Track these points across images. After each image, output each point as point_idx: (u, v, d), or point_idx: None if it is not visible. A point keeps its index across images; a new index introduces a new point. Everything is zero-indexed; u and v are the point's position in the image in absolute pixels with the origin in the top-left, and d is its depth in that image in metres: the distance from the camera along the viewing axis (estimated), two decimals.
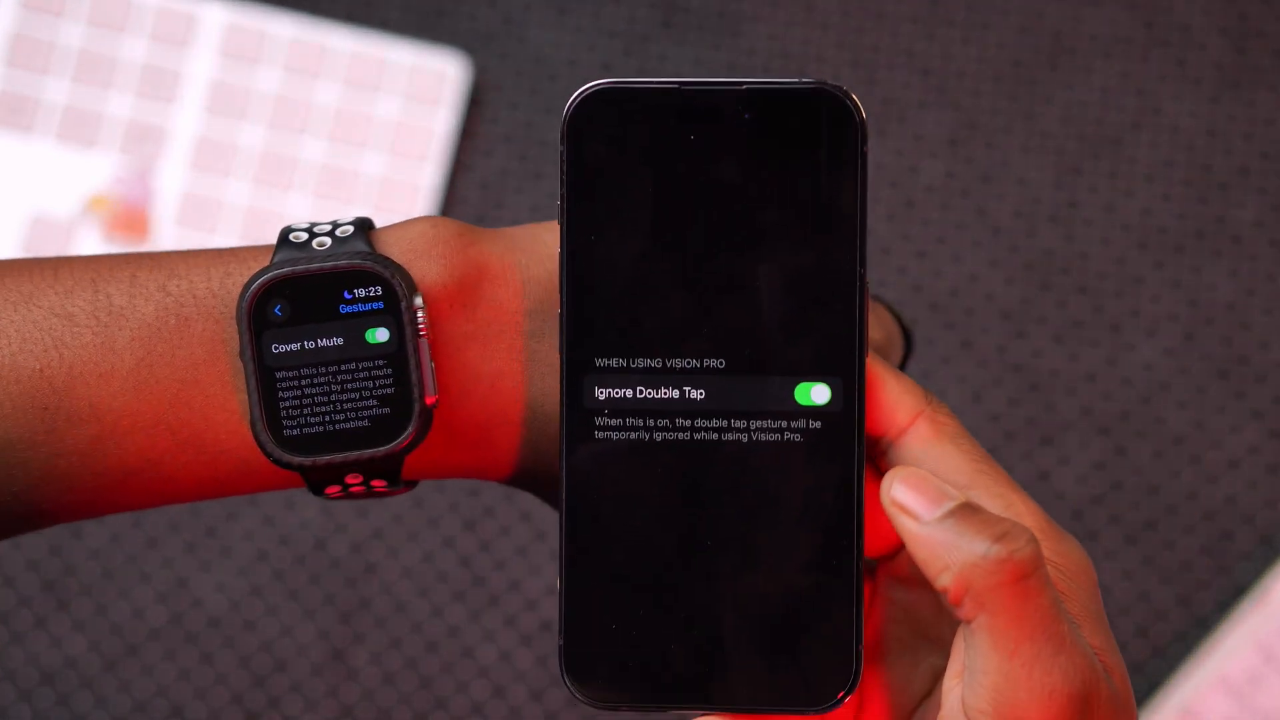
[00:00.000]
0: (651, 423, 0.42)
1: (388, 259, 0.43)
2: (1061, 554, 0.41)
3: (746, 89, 0.42)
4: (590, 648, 0.42)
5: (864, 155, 0.42)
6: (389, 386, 0.43)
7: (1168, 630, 0.91)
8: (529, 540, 0.92)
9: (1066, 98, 0.96)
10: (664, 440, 0.42)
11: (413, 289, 0.43)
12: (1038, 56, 0.96)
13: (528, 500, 0.92)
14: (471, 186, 0.95)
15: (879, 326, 0.50)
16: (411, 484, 0.46)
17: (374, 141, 0.94)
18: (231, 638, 0.91)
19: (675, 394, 0.42)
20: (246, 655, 0.91)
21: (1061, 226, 0.95)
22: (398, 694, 0.91)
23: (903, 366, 0.53)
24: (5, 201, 0.93)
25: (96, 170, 0.94)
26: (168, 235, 0.93)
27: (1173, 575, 0.92)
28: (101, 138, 0.94)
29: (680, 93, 0.42)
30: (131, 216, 0.94)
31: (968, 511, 0.40)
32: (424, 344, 0.43)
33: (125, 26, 0.95)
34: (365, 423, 0.43)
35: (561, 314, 0.42)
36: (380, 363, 0.43)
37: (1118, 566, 0.92)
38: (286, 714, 0.91)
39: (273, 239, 0.98)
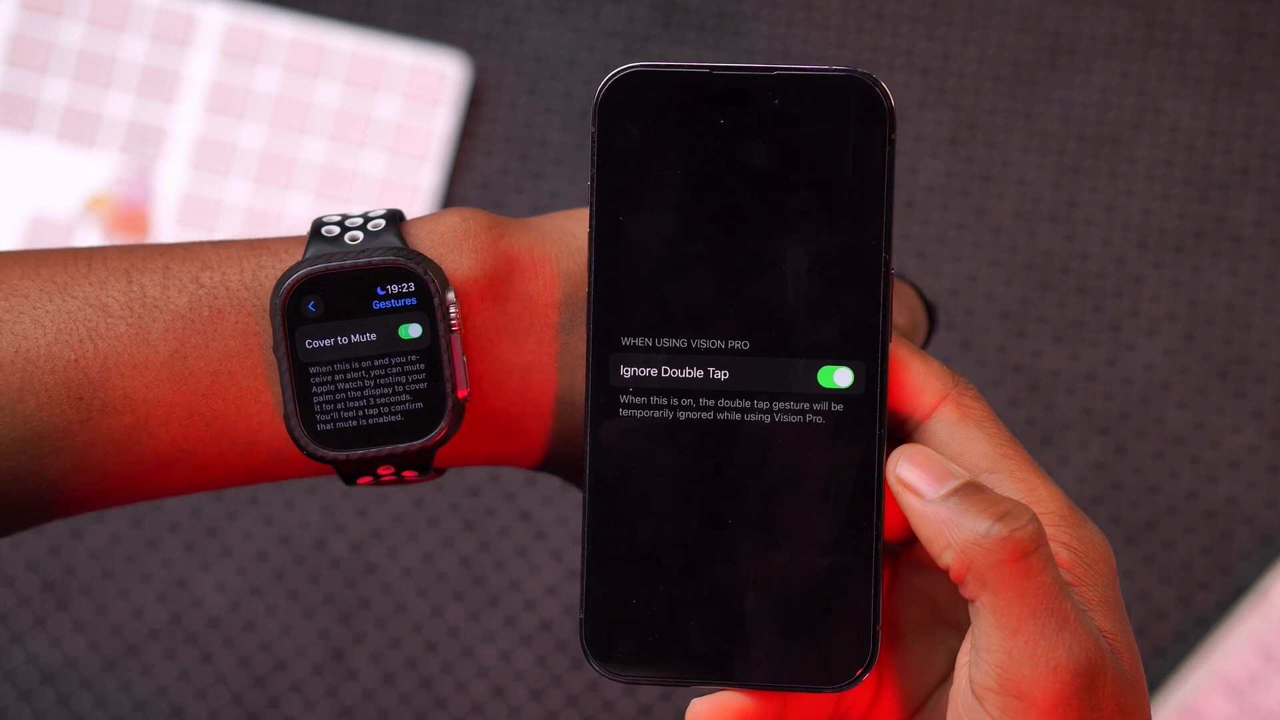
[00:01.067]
0: (675, 402, 0.42)
1: (420, 254, 0.43)
2: (1081, 539, 0.41)
3: (777, 74, 0.42)
4: (611, 623, 0.42)
5: (891, 143, 0.42)
6: (422, 381, 0.43)
7: (1168, 630, 0.91)
8: (529, 540, 0.92)
9: (1066, 98, 0.96)
10: (687, 419, 0.42)
11: (445, 284, 0.43)
12: (1038, 56, 0.96)
13: (528, 500, 0.92)
14: (471, 186, 0.95)
15: (904, 311, 0.51)
16: (441, 471, 0.46)
17: (374, 141, 0.94)
18: (231, 638, 0.91)
19: (699, 374, 0.42)
20: (246, 655, 0.91)
21: (1061, 226, 0.95)
22: (398, 694, 0.91)
23: (926, 344, 0.54)
24: (5, 201, 0.93)
25: (96, 170, 0.94)
26: (168, 235, 0.93)
27: (1173, 575, 0.92)
28: (101, 138, 0.94)
29: (711, 77, 0.42)
30: (131, 216, 0.94)
31: (971, 490, 0.40)
32: (457, 339, 0.43)
33: (125, 26, 0.95)
34: (398, 417, 0.43)
35: (589, 293, 0.42)
36: (413, 358, 0.43)
37: (1118, 567, 0.92)
38: (286, 714, 0.91)
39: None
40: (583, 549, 0.43)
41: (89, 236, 0.93)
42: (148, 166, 0.94)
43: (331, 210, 0.94)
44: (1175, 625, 0.91)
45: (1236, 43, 0.96)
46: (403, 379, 0.43)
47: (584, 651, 0.42)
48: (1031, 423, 0.93)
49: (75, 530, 0.92)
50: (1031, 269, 0.95)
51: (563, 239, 0.46)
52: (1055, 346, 0.94)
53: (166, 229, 0.93)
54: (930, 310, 0.55)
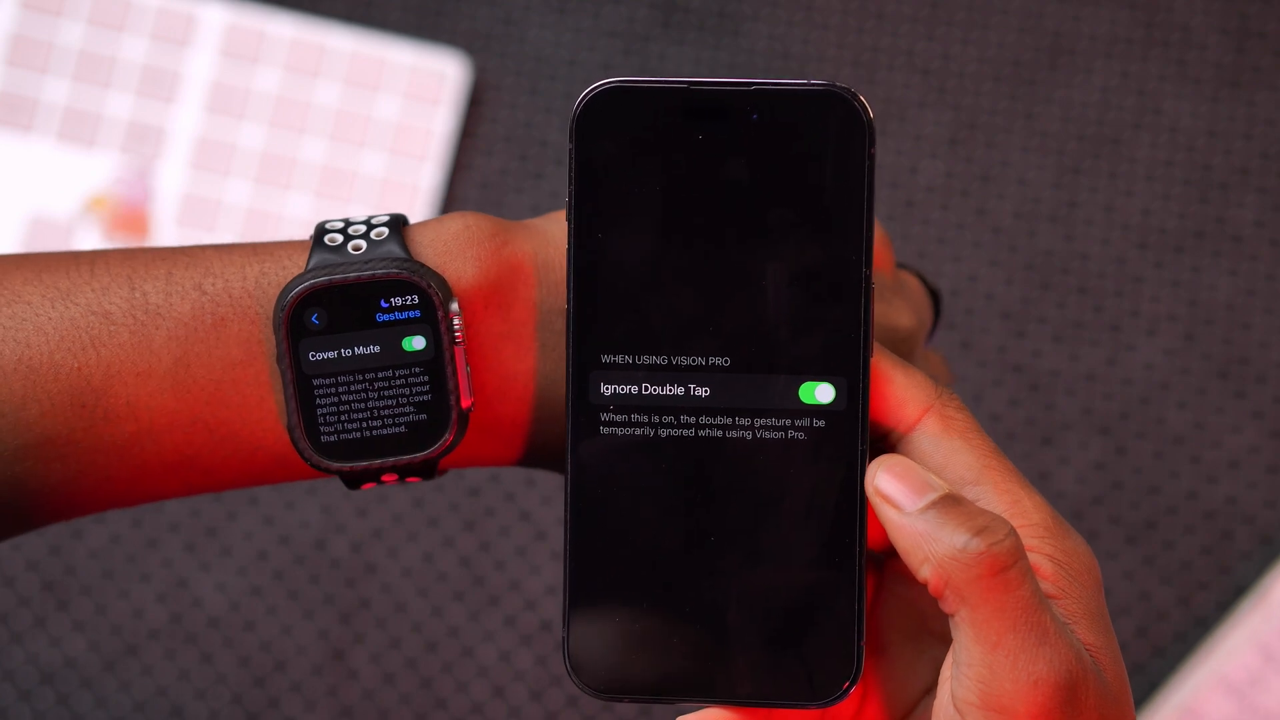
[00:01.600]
0: (656, 419, 0.42)
1: (423, 266, 0.43)
2: (1065, 551, 0.41)
3: (755, 89, 0.42)
4: (594, 639, 0.42)
5: (871, 157, 0.42)
6: (426, 393, 0.43)
7: (1168, 630, 0.91)
8: (529, 540, 0.92)
9: (1066, 98, 0.96)
10: (668, 436, 0.42)
11: (449, 296, 0.43)
12: (1038, 56, 0.96)
13: (528, 500, 0.92)
14: (471, 186, 0.95)
15: (910, 311, 0.50)
16: (444, 471, 0.46)
17: (374, 141, 0.94)
18: (231, 638, 0.91)
19: (680, 391, 0.42)
20: (246, 655, 0.91)
21: (1061, 226, 0.95)
22: (398, 694, 0.91)
23: (932, 333, 0.54)
24: (5, 201, 0.93)
25: (96, 170, 0.94)
26: (168, 235, 0.93)
27: (1173, 575, 0.92)
28: (101, 138, 0.94)
29: (689, 92, 0.42)
30: (131, 216, 0.94)
31: (949, 504, 0.40)
32: (461, 351, 0.43)
33: (125, 26, 0.95)
34: (402, 429, 0.43)
35: (569, 310, 0.42)
36: (417, 370, 0.43)
37: (1118, 566, 0.92)
38: (286, 714, 0.91)
39: (272, 239, 0.98)
40: (565, 566, 0.43)
41: (89, 236, 0.93)
42: (148, 166, 0.94)
43: (331, 211, 0.94)
44: (1175, 625, 0.91)
45: (1236, 43, 0.96)
46: (407, 391, 0.43)
47: (567, 669, 0.42)
48: (1031, 423, 0.93)
49: (75, 530, 0.92)
50: (1031, 269, 0.95)
51: (566, 244, 0.46)
52: (1055, 346, 0.94)
53: (166, 229, 0.93)
54: (935, 296, 0.55)
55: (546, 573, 0.92)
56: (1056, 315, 0.94)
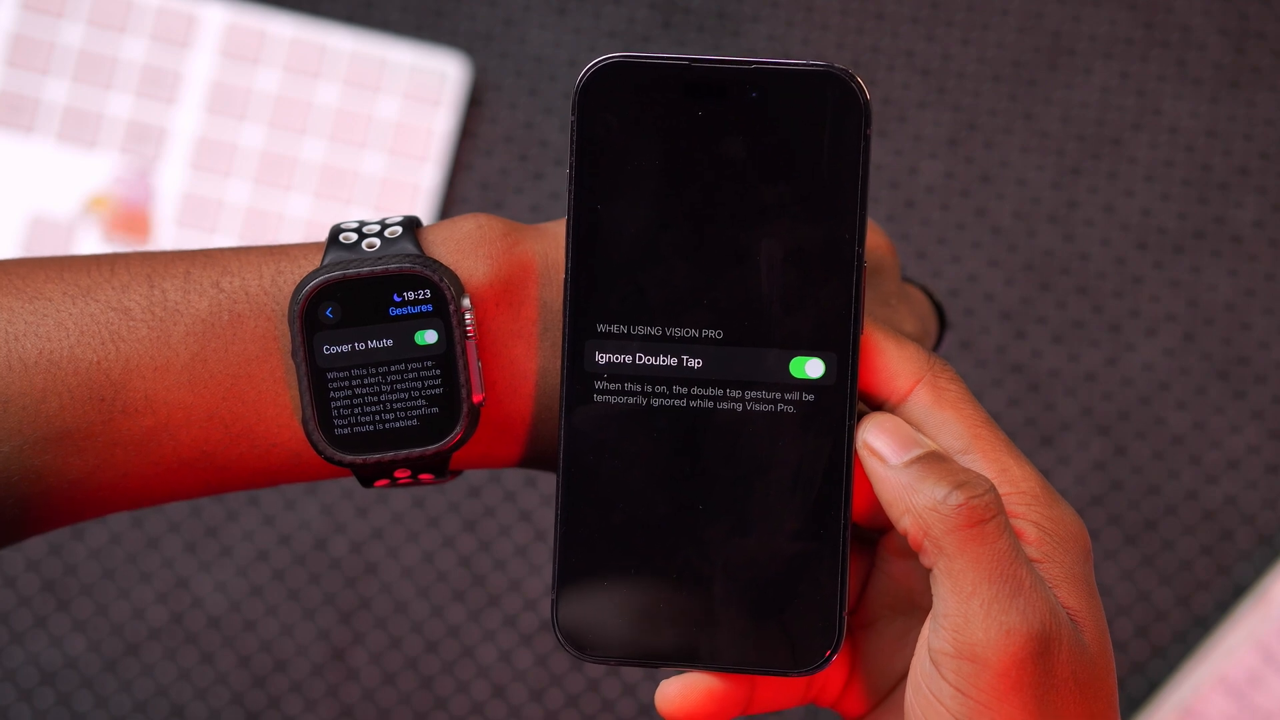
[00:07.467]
0: (649, 388, 0.43)
1: (436, 261, 0.44)
2: (1051, 519, 0.42)
3: (755, 68, 0.43)
4: (581, 603, 0.43)
5: (867, 138, 0.42)
6: (438, 387, 0.44)
7: (1168, 630, 0.91)
8: (529, 540, 0.92)
9: (1066, 98, 0.96)
10: (660, 406, 0.43)
11: (460, 291, 0.44)
12: (1038, 56, 0.96)
13: (528, 500, 0.92)
14: (471, 186, 0.95)
15: (914, 317, 0.51)
16: (457, 473, 0.47)
17: (374, 141, 0.94)
18: (231, 638, 0.91)
19: (673, 361, 0.43)
20: (246, 655, 0.91)
21: (1061, 226, 0.95)
22: (398, 694, 0.91)
23: (938, 346, 0.55)
24: (5, 201, 0.93)
25: (96, 170, 0.94)
26: (168, 235, 0.93)
27: (1173, 575, 0.92)
28: (101, 138, 0.94)
29: (690, 69, 0.43)
30: (131, 216, 0.94)
31: (933, 459, 0.41)
32: (472, 345, 0.44)
33: (125, 26, 0.95)
34: (414, 422, 0.44)
35: (566, 279, 0.43)
36: (429, 364, 0.44)
37: (1118, 566, 0.92)
38: (286, 714, 0.91)
39: (273, 239, 0.98)
40: (555, 531, 0.43)
41: (89, 236, 0.93)
42: (148, 166, 0.94)
43: (331, 211, 0.94)
44: (1175, 625, 0.91)
45: (1236, 43, 0.96)
46: (419, 384, 0.44)
47: (554, 631, 0.43)
48: (1031, 423, 0.93)
49: (75, 530, 0.92)
50: (1031, 269, 0.95)
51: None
52: (1055, 346, 0.94)
53: (166, 229, 0.94)
54: (940, 311, 0.55)
55: (546, 573, 0.92)
56: (1056, 315, 0.94)
